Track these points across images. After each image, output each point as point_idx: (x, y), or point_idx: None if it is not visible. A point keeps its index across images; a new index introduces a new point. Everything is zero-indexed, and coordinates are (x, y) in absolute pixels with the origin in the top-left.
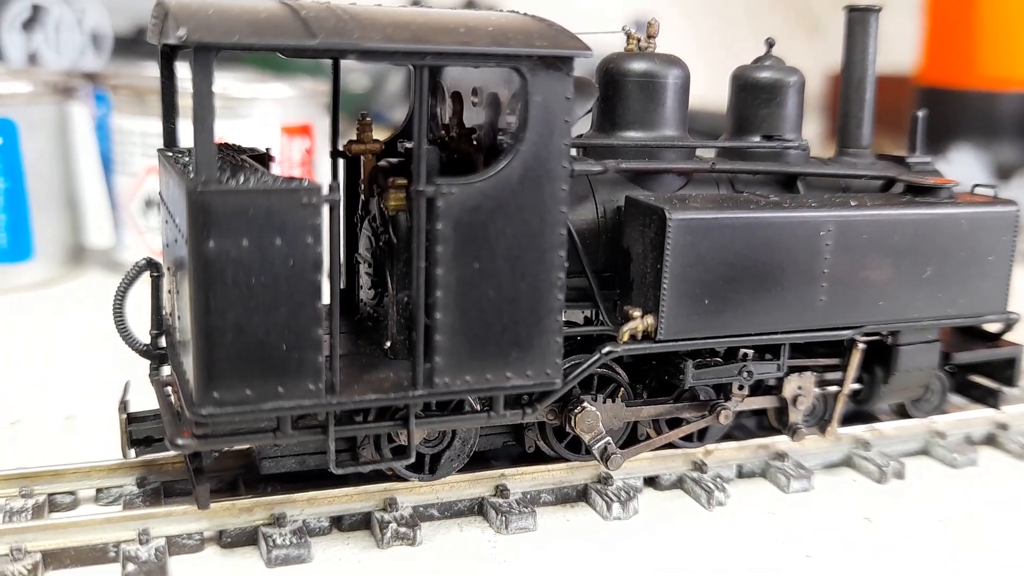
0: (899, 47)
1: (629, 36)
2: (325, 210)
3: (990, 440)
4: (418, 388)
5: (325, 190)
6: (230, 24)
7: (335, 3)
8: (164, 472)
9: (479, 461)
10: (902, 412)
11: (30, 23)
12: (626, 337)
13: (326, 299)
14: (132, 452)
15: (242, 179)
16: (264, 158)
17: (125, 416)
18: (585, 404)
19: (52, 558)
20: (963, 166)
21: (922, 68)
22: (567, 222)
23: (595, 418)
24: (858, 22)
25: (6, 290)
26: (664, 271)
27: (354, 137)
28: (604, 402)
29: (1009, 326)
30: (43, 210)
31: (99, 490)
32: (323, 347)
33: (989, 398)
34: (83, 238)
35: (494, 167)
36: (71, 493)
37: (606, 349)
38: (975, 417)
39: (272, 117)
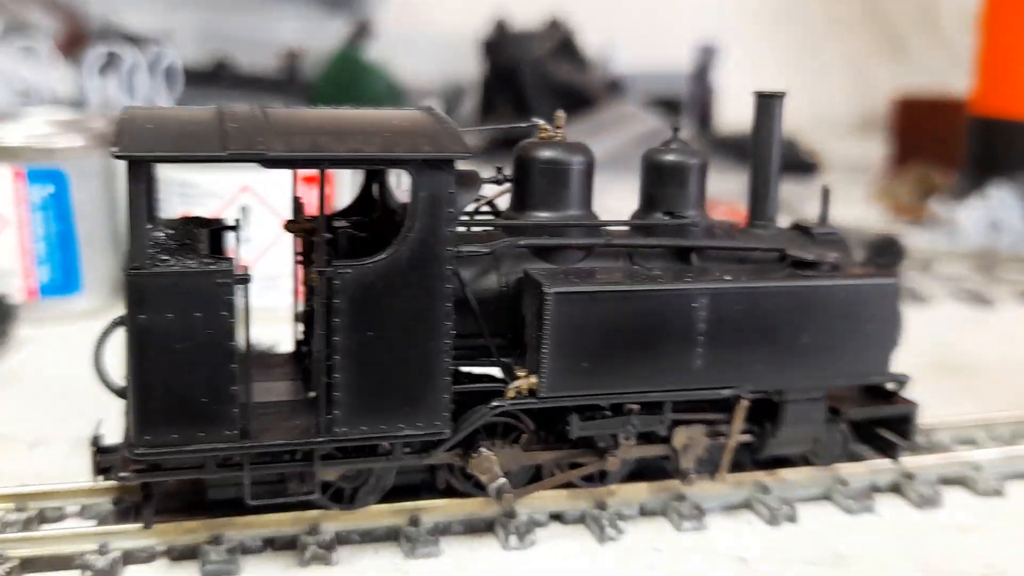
0: (956, 73)
1: (538, 127)
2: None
3: (895, 488)
4: (320, 435)
5: (239, 271)
6: (157, 141)
7: (272, 110)
8: (138, 494)
9: (411, 494)
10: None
11: (105, 68)
12: (512, 393)
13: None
14: (100, 478)
15: (170, 262)
16: (223, 231)
17: (95, 448)
18: (482, 449)
19: (29, 564)
20: (999, 202)
21: (975, 97)
22: (467, 293)
23: (491, 461)
24: (764, 107)
25: (57, 319)
26: (544, 337)
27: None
28: (503, 447)
29: (902, 385)
30: (91, 249)
31: (84, 507)
32: (241, 398)
33: (890, 450)
34: None
35: (386, 251)
36: (59, 508)
37: (494, 404)
38: (881, 466)
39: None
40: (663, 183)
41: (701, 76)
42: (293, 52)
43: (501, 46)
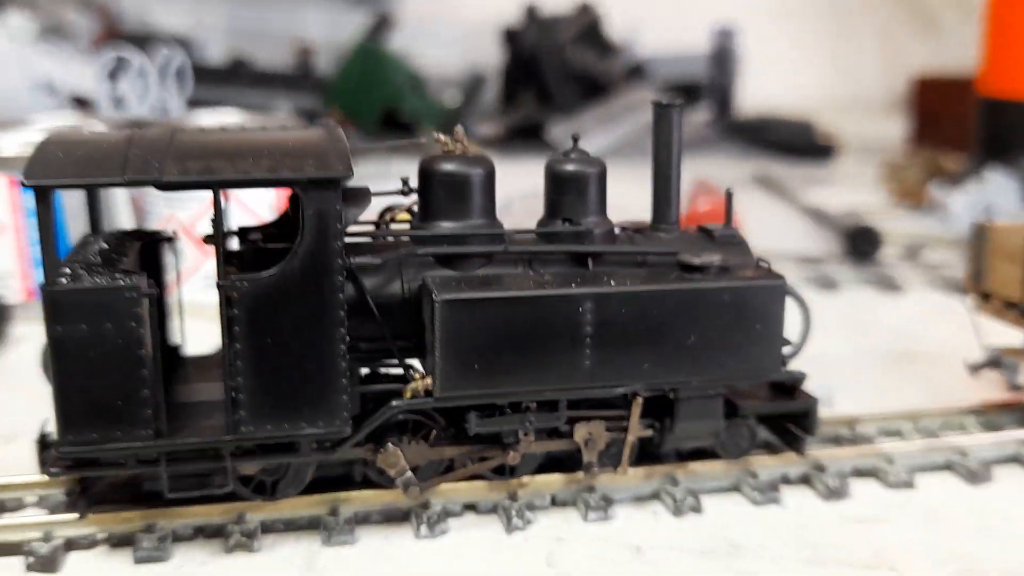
0: (966, 51)
1: (440, 141)
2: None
3: (805, 480)
4: (228, 435)
5: (144, 286)
6: (62, 168)
7: (179, 130)
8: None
9: (343, 486)
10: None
11: (115, 72)
12: (409, 394)
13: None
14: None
15: (83, 278)
16: (160, 243)
17: (40, 445)
18: (388, 444)
19: None
20: (995, 186)
21: (983, 77)
22: (368, 299)
23: (397, 456)
24: (662, 116)
25: None
26: (435, 341)
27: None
28: (410, 443)
29: (798, 381)
30: None
31: (40, 498)
32: (155, 400)
33: (796, 443)
34: None
35: (279, 266)
36: (18, 499)
37: (393, 403)
38: (794, 459)
39: None
40: (563, 191)
41: (720, 59)
42: (306, 48)
43: (523, 34)
